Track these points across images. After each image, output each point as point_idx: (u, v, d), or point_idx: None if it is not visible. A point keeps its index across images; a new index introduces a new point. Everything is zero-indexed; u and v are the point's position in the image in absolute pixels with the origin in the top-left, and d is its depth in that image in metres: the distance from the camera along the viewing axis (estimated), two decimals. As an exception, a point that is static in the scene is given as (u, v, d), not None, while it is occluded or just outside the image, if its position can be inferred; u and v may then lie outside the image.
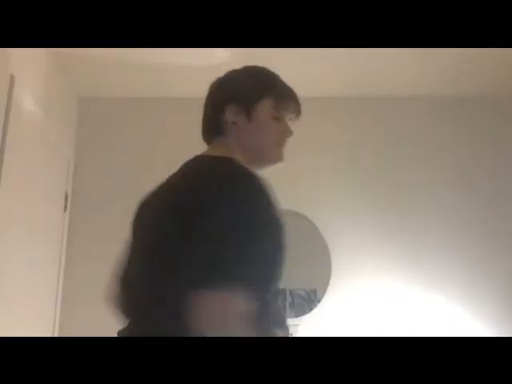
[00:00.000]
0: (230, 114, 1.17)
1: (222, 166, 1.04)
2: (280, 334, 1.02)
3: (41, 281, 2.37)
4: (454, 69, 2.61)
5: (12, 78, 2.03)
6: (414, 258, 2.64)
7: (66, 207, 2.67)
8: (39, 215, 2.33)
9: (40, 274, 2.35)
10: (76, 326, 2.51)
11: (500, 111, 2.84)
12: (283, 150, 1.20)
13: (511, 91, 2.78)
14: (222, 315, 0.89)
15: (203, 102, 1.24)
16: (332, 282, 2.63)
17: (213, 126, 1.20)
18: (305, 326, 2.52)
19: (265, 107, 1.17)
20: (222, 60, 2.36)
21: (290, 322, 1.74)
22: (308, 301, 2.63)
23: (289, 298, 2.59)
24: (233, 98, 1.17)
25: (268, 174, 1.07)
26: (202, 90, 1.26)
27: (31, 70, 2.26)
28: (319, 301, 2.62)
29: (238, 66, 1.25)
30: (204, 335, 0.86)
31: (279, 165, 1.19)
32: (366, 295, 2.62)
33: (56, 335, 2.51)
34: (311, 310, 2.61)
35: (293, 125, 1.22)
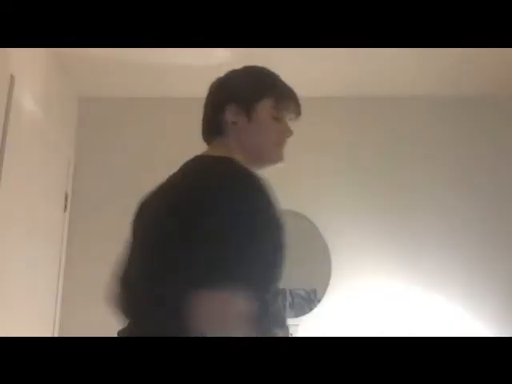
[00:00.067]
0: (230, 114, 1.17)
1: (222, 166, 1.03)
2: (280, 333, 1.02)
3: (41, 281, 2.37)
4: (454, 69, 2.61)
5: (12, 78, 2.03)
6: (413, 258, 2.64)
7: (66, 207, 2.67)
8: (39, 215, 2.33)
9: (40, 274, 2.35)
10: (76, 326, 2.51)
11: (500, 111, 2.84)
12: (283, 150, 1.20)
13: (511, 91, 2.78)
14: (222, 315, 0.89)
15: (203, 102, 1.24)
16: (332, 281, 2.63)
17: (213, 126, 1.20)
18: (305, 326, 2.52)
19: (265, 107, 1.17)
20: (222, 60, 2.35)
21: (290, 322, 1.74)
22: (308, 301, 2.63)
23: (289, 298, 2.59)
24: (233, 98, 1.17)
25: (268, 174, 1.07)
26: (202, 90, 1.26)
27: (31, 70, 2.26)
28: (319, 301, 2.62)
29: (237, 65, 1.25)
30: (204, 335, 0.86)
31: (279, 165, 1.19)
32: (366, 295, 2.61)
33: (56, 335, 2.51)
34: (311, 309, 2.61)
35: (293, 125, 1.22)
